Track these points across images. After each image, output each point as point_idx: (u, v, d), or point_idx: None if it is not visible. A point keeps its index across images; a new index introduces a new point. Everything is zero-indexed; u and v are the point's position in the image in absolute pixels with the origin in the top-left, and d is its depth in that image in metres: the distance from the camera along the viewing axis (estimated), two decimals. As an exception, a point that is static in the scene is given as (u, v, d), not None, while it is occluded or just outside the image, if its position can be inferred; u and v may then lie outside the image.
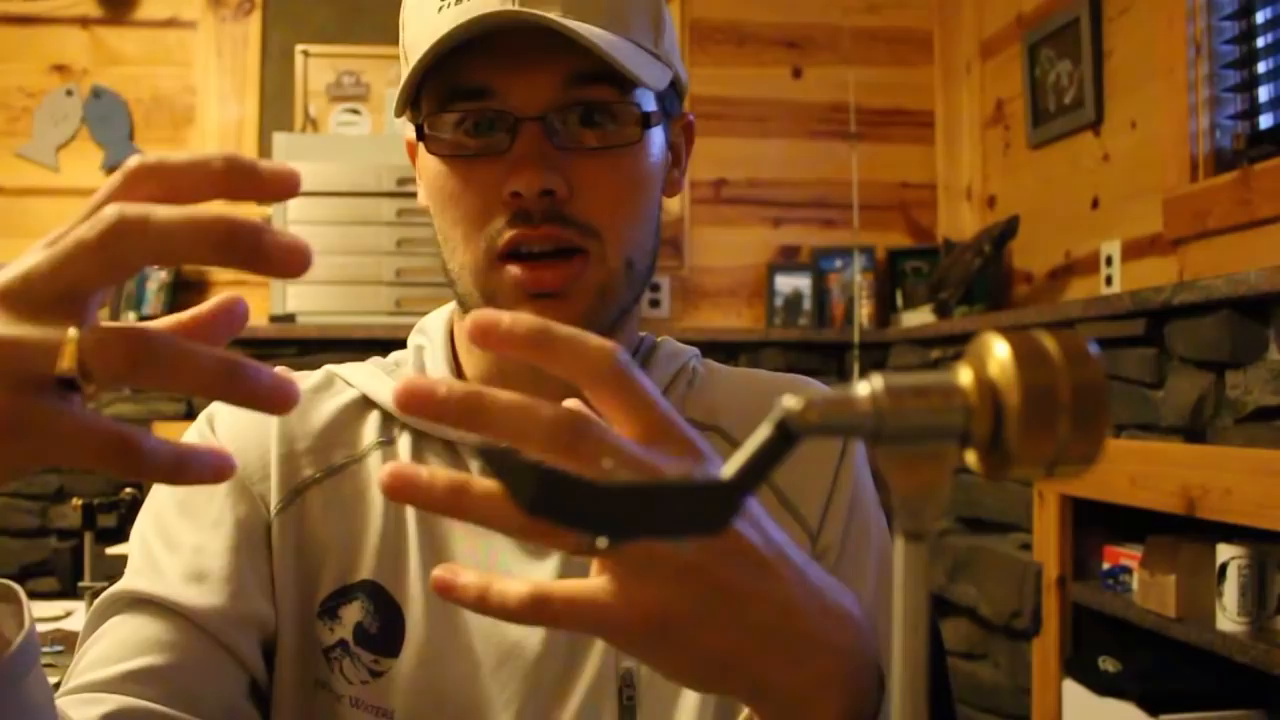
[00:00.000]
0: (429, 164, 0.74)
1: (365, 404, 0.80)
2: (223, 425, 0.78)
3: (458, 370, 0.80)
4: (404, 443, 0.78)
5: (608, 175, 0.72)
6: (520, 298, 0.71)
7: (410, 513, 0.76)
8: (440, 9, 0.71)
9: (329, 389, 0.81)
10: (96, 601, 0.71)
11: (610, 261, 0.73)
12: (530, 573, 0.74)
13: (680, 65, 0.80)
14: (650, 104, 0.75)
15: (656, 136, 0.76)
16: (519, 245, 0.71)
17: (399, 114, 0.75)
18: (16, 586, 0.53)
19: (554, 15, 0.68)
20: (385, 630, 0.73)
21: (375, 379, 0.80)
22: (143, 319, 3.08)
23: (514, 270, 0.71)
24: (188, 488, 0.75)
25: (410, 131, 0.77)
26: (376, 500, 0.76)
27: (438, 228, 0.76)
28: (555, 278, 0.71)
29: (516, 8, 0.69)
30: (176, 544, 0.72)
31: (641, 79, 0.70)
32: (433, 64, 0.70)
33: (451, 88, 0.71)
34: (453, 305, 0.84)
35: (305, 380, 0.81)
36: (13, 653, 0.49)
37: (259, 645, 0.73)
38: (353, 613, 0.74)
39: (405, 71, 0.75)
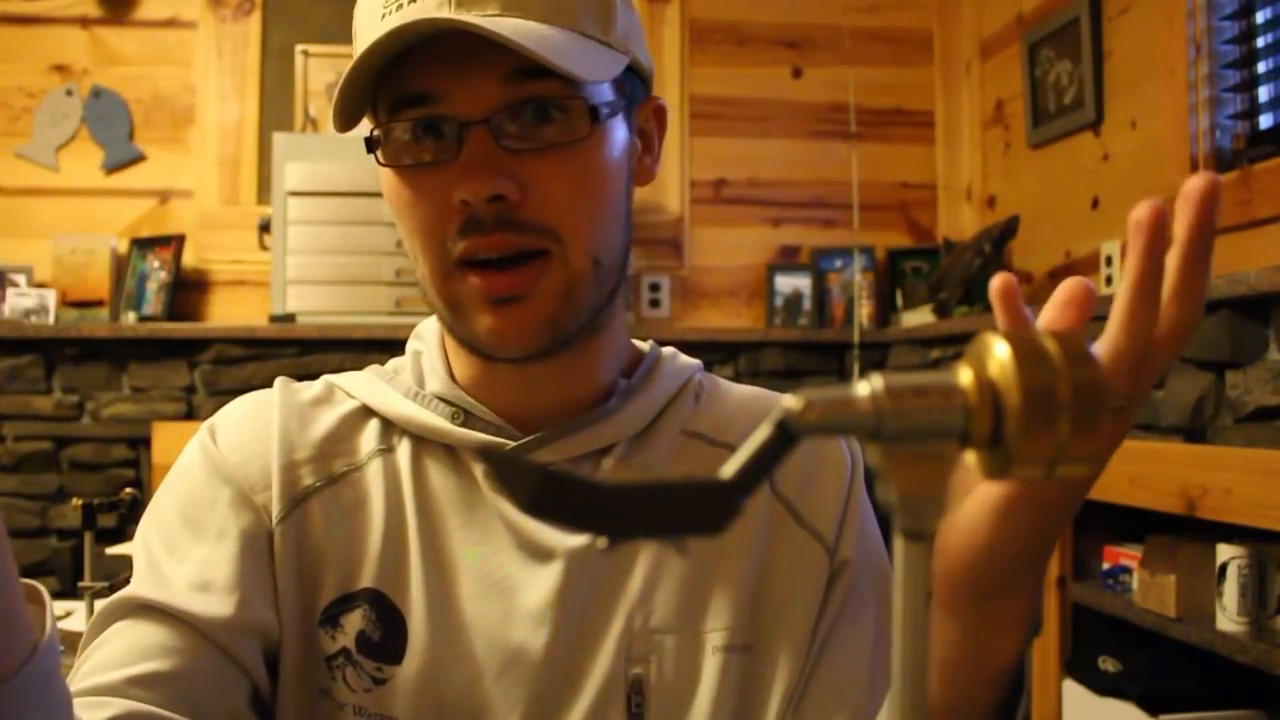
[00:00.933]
0: (386, 177, 0.73)
1: (365, 413, 0.80)
2: (224, 436, 0.77)
3: (451, 376, 0.80)
4: (404, 450, 0.78)
5: (561, 173, 0.70)
6: (482, 305, 0.71)
7: (411, 520, 0.76)
8: (383, 15, 0.70)
9: (329, 400, 0.81)
10: (100, 606, 0.71)
11: (574, 261, 0.71)
12: (532, 578, 0.74)
13: (640, 49, 0.77)
14: (604, 95, 0.72)
15: (615, 127, 0.74)
16: (474, 254, 0.69)
17: (342, 129, 0.73)
18: (40, 587, 0.54)
19: (492, 12, 0.67)
20: (387, 637, 0.73)
21: (375, 388, 0.80)
22: (143, 319, 3.08)
23: (473, 279, 0.70)
24: (191, 498, 0.75)
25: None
26: (377, 508, 0.76)
27: (401, 235, 0.75)
28: (512, 283, 0.70)
29: (449, 13, 0.67)
30: (182, 554, 0.72)
31: (579, 74, 0.68)
32: (381, 74, 0.69)
33: (397, 96, 0.70)
34: None
35: (305, 391, 0.81)
36: (44, 647, 0.50)
37: (262, 654, 0.73)
38: (354, 621, 0.73)
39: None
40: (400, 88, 0.70)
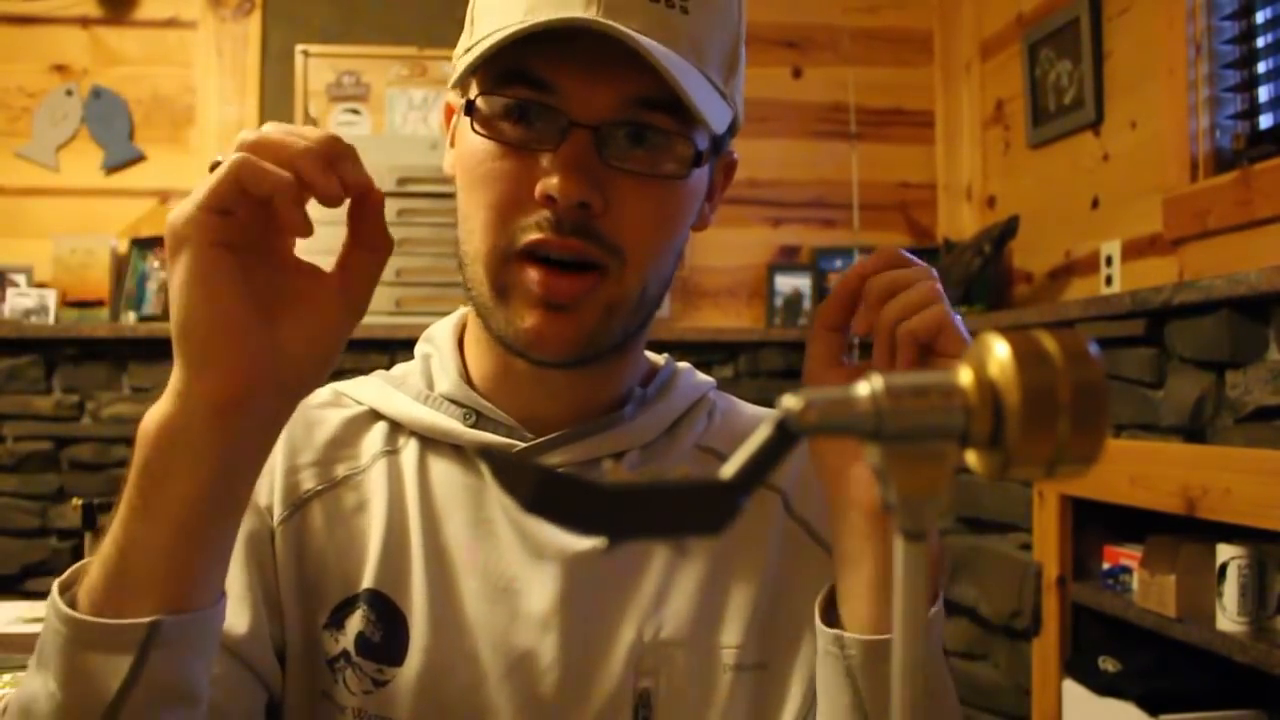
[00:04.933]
0: (469, 139, 0.72)
1: (372, 417, 0.80)
2: None
3: (466, 376, 0.80)
4: (410, 451, 0.78)
5: (646, 202, 0.70)
6: (533, 302, 0.70)
7: (412, 520, 0.76)
8: None
9: (335, 405, 0.81)
10: None
11: (627, 283, 0.71)
12: (534, 577, 0.74)
13: (741, 106, 0.78)
14: (705, 142, 0.73)
15: (701, 174, 0.75)
16: (541, 249, 0.69)
17: (456, 85, 0.73)
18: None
19: (635, 27, 0.66)
20: (389, 638, 0.73)
21: (382, 392, 0.80)
22: (144, 319, 3.08)
23: (532, 273, 0.70)
24: None
25: (452, 95, 0.76)
26: (379, 510, 0.76)
27: (460, 204, 0.74)
28: (570, 289, 0.70)
29: (601, 17, 0.66)
30: None
31: (705, 116, 0.68)
32: (506, 46, 0.68)
33: (512, 71, 0.69)
34: (461, 312, 0.83)
35: (312, 397, 0.81)
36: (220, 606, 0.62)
37: (276, 658, 0.73)
38: (355, 622, 0.73)
39: (468, 38, 0.73)
40: (519, 66, 0.69)
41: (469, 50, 0.72)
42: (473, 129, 0.71)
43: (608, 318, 0.72)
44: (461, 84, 0.73)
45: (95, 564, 0.59)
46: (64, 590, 0.59)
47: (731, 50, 0.74)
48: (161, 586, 0.57)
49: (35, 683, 0.59)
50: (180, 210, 0.57)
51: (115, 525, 0.58)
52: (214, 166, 0.58)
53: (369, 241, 0.61)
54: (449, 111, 0.77)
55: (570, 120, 0.68)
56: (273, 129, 0.58)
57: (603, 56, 0.67)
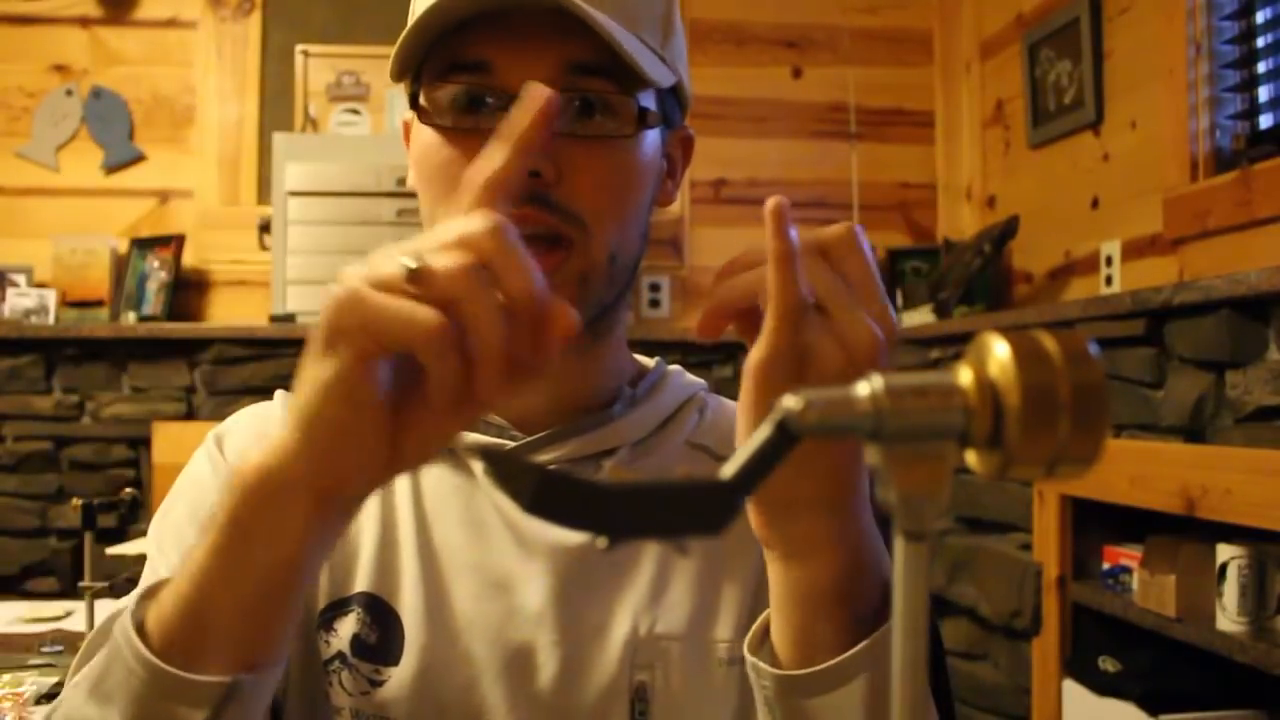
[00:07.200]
0: (421, 137, 0.73)
1: None
2: (230, 445, 0.79)
3: None
4: None
5: (598, 165, 0.71)
6: None
7: (404, 522, 0.76)
8: None
9: None
10: (114, 609, 0.71)
11: (594, 252, 0.72)
12: (526, 574, 0.74)
13: (686, 74, 0.79)
14: (649, 103, 0.74)
15: (652, 138, 0.75)
16: None
17: (394, 79, 0.74)
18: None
19: None
20: (384, 639, 0.73)
21: None
22: (144, 319, 3.08)
23: None
24: (204, 505, 0.75)
25: (408, 110, 0.77)
26: (370, 513, 0.76)
27: (421, 206, 0.75)
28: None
29: None
30: None
31: (643, 70, 0.69)
32: (438, 35, 0.70)
33: (451, 60, 0.71)
34: None
35: None
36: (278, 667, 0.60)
37: None
38: (348, 625, 0.74)
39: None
40: (455, 53, 0.70)
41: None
42: (421, 122, 0.73)
43: (581, 290, 0.72)
44: (411, 82, 0.74)
45: (170, 601, 0.57)
46: (136, 624, 0.58)
47: (664, 13, 0.76)
48: (242, 646, 0.57)
49: (91, 712, 0.58)
50: (351, 306, 0.50)
51: (198, 569, 0.56)
52: (411, 270, 0.49)
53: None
54: (406, 128, 0.78)
55: (511, 96, 0.68)
56: (491, 257, 0.50)
57: (536, 28, 0.68)
